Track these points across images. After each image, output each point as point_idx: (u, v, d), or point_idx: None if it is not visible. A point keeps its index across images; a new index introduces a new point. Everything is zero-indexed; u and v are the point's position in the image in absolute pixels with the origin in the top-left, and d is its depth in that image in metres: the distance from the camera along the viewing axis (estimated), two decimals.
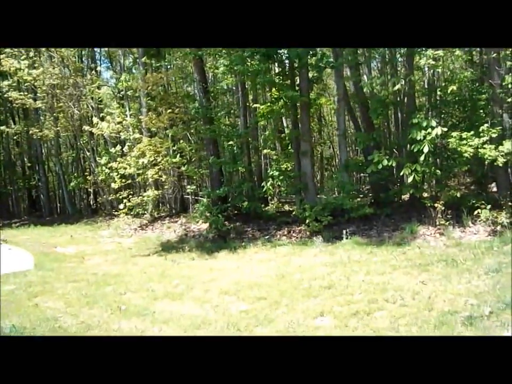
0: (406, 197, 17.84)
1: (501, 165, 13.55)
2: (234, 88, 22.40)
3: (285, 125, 23.56)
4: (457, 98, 17.05)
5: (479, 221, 13.96)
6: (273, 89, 16.69)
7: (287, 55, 17.04)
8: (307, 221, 15.72)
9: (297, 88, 17.37)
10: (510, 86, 14.16)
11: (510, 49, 14.35)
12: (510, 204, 14.15)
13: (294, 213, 17.19)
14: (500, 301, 8.04)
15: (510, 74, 14.41)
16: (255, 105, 18.32)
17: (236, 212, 18.59)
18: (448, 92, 14.81)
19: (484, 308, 7.79)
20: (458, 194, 15.23)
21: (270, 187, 17.58)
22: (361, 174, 22.52)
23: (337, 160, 24.49)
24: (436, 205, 14.51)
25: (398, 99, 17.81)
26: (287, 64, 17.81)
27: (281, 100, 17.32)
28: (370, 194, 19.46)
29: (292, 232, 16.45)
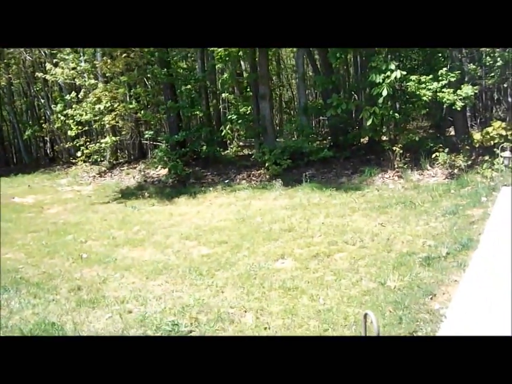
0: (365, 140, 17.93)
1: (459, 108, 13.74)
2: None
3: (243, 68, 23.30)
4: None
5: (437, 164, 14.21)
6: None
7: None
8: (266, 165, 15.75)
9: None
10: None
11: None
12: (467, 147, 14.40)
13: (253, 156, 17.21)
14: (456, 242, 8.25)
15: None
16: (212, 48, 17.99)
17: (194, 156, 18.48)
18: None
19: (441, 249, 8.00)
20: (416, 138, 15.39)
21: (229, 131, 17.53)
22: (321, 117, 22.53)
23: (296, 104, 24.40)
24: (394, 148, 14.67)
25: None
26: None
27: None
28: (329, 138, 19.47)
29: (251, 176, 16.47)
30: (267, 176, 15.85)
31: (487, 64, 15.27)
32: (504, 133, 13.43)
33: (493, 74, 15.06)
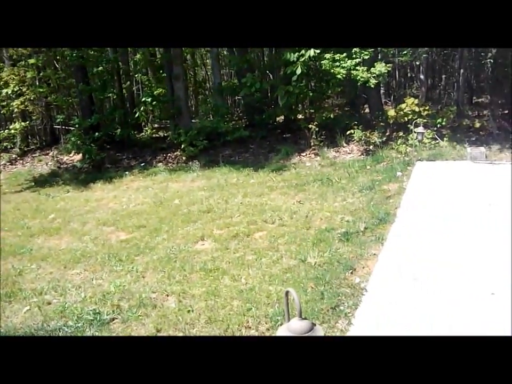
0: (280, 119, 18.02)
1: (372, 86, 13.94)
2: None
3: (156, 48, 22.89)
4: None
5: (353, 141, 14.47)
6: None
7: None
8: (182, 146, 15.57)
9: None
10: None
11: None
12: (381, 124, 14.69)
13: (169, 138, 17.01)
14: (373, 217, 8.44)
15: None
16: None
17: (109, 140, 18.02)
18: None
19: (359, 224, 8.14)
20: (332, 116, 15.54)
21: (143, 113, 17.18)
22: (236, 97, 22.46)
23: (211, 84, 24.21)
24: (310, 126, 14.81)
25: None
26: None
27: None
28: (245, 117, 19.49)
29: (167, 158, 16.26)
30: (183, 158, 15.67)
31: None
32: (417, 109, 13.78)
33: (405, 52, 15.37)
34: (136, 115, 17.08)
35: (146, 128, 20.03)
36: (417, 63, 15.75)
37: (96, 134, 16.81)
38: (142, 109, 16.86)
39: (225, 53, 22.31)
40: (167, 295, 6.33)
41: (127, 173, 15.03)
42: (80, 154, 17.11)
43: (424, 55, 15.21)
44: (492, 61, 17.11)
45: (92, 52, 18.26)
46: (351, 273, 6.38)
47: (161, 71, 19.51)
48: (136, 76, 21.02)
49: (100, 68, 18.53)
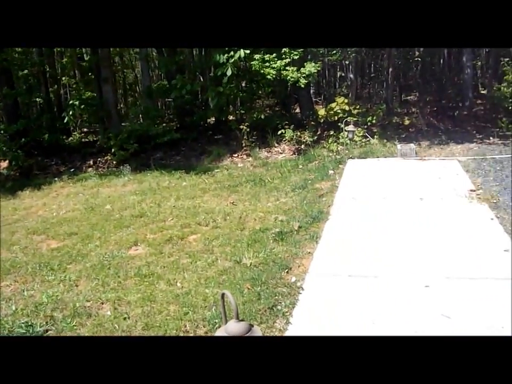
0: (211, 120, 17.97)
1: (303, 86, 14.06)
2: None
3: (83, 50, 22.45)
4: None
5: (284, 140, 14.54)
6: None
7: None
8: (113, 150, 15.30)
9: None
10: None
11: None
12: (312, 123, 14.84)
13: (98, 142, 16.69)
14: (307, 216, 8.49)
15: None
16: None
17: (37, 146, 17.53)
18: None
19: (293, 223, 8.17)
20: (262, 116, 15.57)
21: (72, 117, 16.77)
22: (166, 99, 22.27)
23: (140, 86, 23.94)
24: (241, 127, 14.83)
25: None
26: None
27: None
28: (175, 119, 19.33)
29: (98, 162, 15.94)
30: (114, 162, 15.40)
31: None
32: (347, 108, 13.99)
33: (335, 52, 15.54)
34: (65, 119, 16.68)
35: (75, 133, 19.61)
36: (347, 62, 15.95)
37: (23, 139, 16.30)
38: (70, 113, 16.46)
39: (154, 54, 22.09)
40: (102, 303, 6.17)
41: (56, 179, 14.62)
42: (7, 161, 16.57)
43: (353, 55, 15.39)
44: (419, 59, 17.53)
45: (17, 55, 17.76)
46: (287, 272, 6.40)
47: (89, 74, 19.13)
48: (63, 79, 20.57)
49: (25, 71, 18.04)
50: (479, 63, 19.50)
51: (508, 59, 15.40)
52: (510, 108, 14.28)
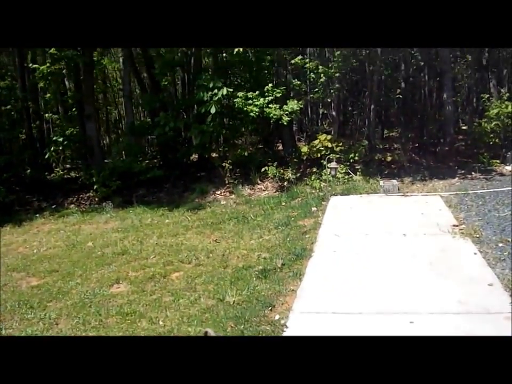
0: (195, 157, 17.98)
1: (285, 123, 14.18)
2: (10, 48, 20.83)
3: (67, 87, 22.48)
4: (242, 59, 17.34)
5: (267, 177, 14.57)
6: (53, 48, 15.72)
7: None
8: (95, 187, 15.23)
9: (79, 48, 16.60)
10: None
11: None
12: (295, 160, 14.91)
13: (81, 179, 16.57)
14: (290, 253, 8.49)
15: None
16: (33, 66, 17.14)
17: (18, 181, 17.41)
18: (235, 53, 15.05)
19: (276, 260, 8.17)
20: (246, 153, 15.60)
21: (54, 153, 16.74)
22: (149, 136, 22.30)
23: (124, 123, 23.96)
24: (224, 164, 14.83)
25: (185, 60, 17.71)
26: None
27: (62, 60, 16.40)
28: (158, 156, 19.32)
29: (80, 199, 15.85)
30: (96, 199, 15.31)
31: (311, 80, 15.89)
32: (329, 145, 14.03)
33: (317, 89, 15.68)
34: (47, 155, 16.62)
35: (58, 169, 19.48)
36: (329, 100, 16.06)
37: (5, 175, 16.20)
38: (52, 149, 16.42)
39: (137, 91, 22.16)
40: None
41: (37, 215, 14.49)
42: None
43: (335, 93, 15.53)
44: (400, 96, 17.73)
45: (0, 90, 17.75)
46: (271, 310, 6.37)
47: (72, 110, 19.12)
48: (46, 115, 20.53)
49: (8, 107, 18.00)
50: (460, 99, 19.78)
51: (488, 95, 15.68)
52: (491, 143, 14.46)
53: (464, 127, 18.15)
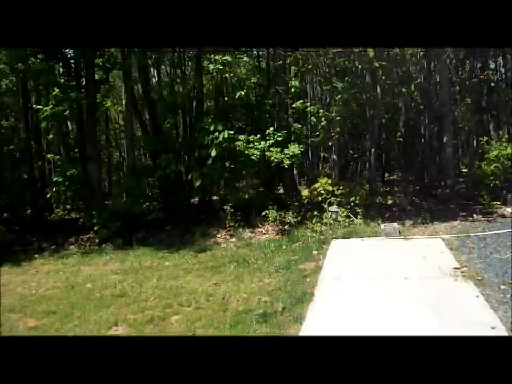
0: (195, 200, 17.98)
1: (286, 166, 14.24)
2: (14, 88, 21.05)
3: (70, 128, 22.63)
4: (244, 102, 17.52)
5: (268, 221, 14.53)
6: (57, 90, 15.90)
7: (72, 54, 16.40)
8: (95, 228, 15.21)
9: (82, 89, 16.77)
10: (293, 90, 14.96)
11: (297, 54, 15.14)
12: (296, 203, 14.92)
13: (81, 220, 16.55)
14: (291, 297, 8.43)
15: (295, 79, 15.22)
16: (37, 106, 17.29)
17: (18, 221, 17.39)
18: (236, 97, 15.18)
19: (277, 304, 8.10)
20: (246, 196, 15.70)
21: (55, 194, 16.77)
22: (150, 179, 22.35)
23: (125, 165, 24.03)
24: (225, 207, 14.83)
25: (187, 103, 17.86)
26: (73, 64, 17.11)
27: (66, 102, 16.55)
28: (159, 199, 19.33)
29: (80, 240, 15.81)
30: (96, 240, 15.27)
31: (312, 123, 15.99)
32: (330, 188, 14.06)
33: (318, 133, 15.78)
34: (48, 196, 16.65)
35: (58, 210, 19.49)
36: (330, 143, 16.16)
37: (5, 215, 16.21)
38: (54, 189, 16.46)
39: (139, 133, 22.30)
40: None
41: (37, 255, 14.43)
42: None
43: (336, 136, 15.62)
44: (401, 139, 17.84)
45: (3, 130, 17.87)
46: None
47: (74, 151, 19.21)
48: (48, 155, 20.63)
49: (11, 146, 18.11)
50: (460, 142, 19.91)
51: (487, 138, 15.78)
52: (491, 185, 14.51)
53: (464, 170, 18.26)
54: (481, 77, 17.90)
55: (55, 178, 17.04)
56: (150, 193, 21.35)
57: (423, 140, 19.33)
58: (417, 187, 17.40)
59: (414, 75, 17.76)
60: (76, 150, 18.77)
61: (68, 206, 21.15)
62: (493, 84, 19.56)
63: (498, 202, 14.31)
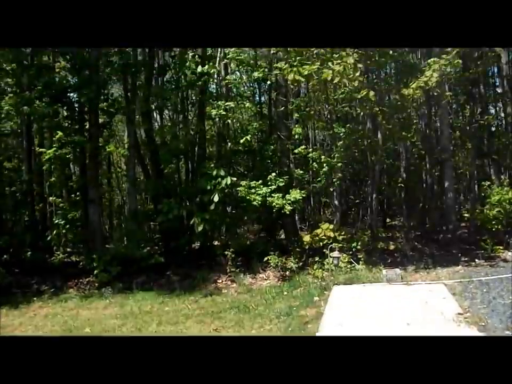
0: (196, 245, 17.93)
1: (288, 212, 14.25)
2: (19, 130, 21.18)
3: (72, 171, 22.70)
4: (246, 148, 17.61)
5: (269, 266, 14.49)
6: (61, 133, 16.01)
7: (77, 98, 16.55)
8: (95, 272, 15.15)
9: (86, 133, 16.89)
10: (296, 136, 15.07)
11: (299, 100, 15.26)
12: (297, 249, 14.88)
13: (81, 263, 16.47)
14: None
15: (297, 125, 15.35)
16: (40, 149, 17.39)
17: (18, 263, 17.28)
18: (241, 142, 15.29)
19: None
20: (248, 242, 15.68)
21: (56, 236, 16.76)
22: (151, 223, 22.34)
23: (126, 208, 24.04)
24: (226, 252, 14.82)
25: (189, 148, 17.95)
26: (77, 108, 17.26)
27: (69, 145, 16.63)
28: (160, 243, 19.28)
29: (79, 283, 15.69)
30: (96, 284, 15.18)
31: (314, 169, 16.02)
32: (332, 234, 14.00)
33: (319, 179, 15.79)
34: (49, 238, 16.62)
35: (58, 252, 19.40)
36: (331, 189, 16.17)
37: (5, 256, 16.15)
38: (54, 232, 16.46)
39: (141, 178, 22.36)
40: None
41: (35, 298, 14.31)
42: None
43: (337, 182, 15.63)
44: (402, 185, 17.88)
45: (6, 172, 17.93)
46: None
47: (76, 194, 19.24)
48: (50, 198, 20.65)
49: (13, 188, 18.15)
50: (461, 187, 19.97)
51: (489, 182, 15.81)
52: (494, 229, 14.48)
53: (466, 214, 18.22)
54: (482, 122, 18.05)
55: (56, 221, 17.06)
56: (151, 237, 21.33)
57: (424, 185, 19.36)
58: (419, 232, 17.38)
59: (414, 120, 17.89)
60: (78, 193, 18.80)
61: (68, 249, 21.13)
62: (493, 129, 19.69)
63: (501, 247, 14.29)
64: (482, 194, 16.30)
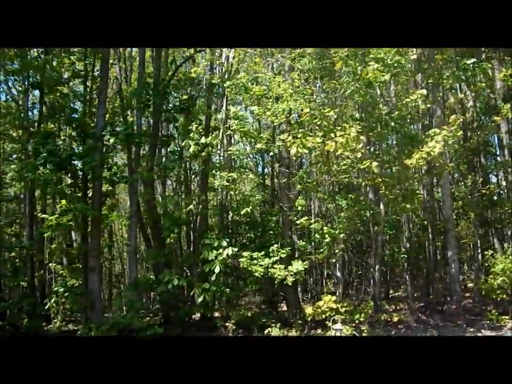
0: (197, 316, 17.72)
1: (290, 284, 14.11)
2: (22, 195, 21.27)
3: (73, 238, 22.67)
4: (248, 219, 17.62)
5: None
6: (64, 200, 16.06)
7: (81, 166, 16.66)
8: None
9: (89, 201, 16.92)
10: (299, 208, 15.09)
11: (302, 171, 15.36)
12: (299, 321, 14.68)
13: (79, 332, 16.21)
14: None
15: (300, 197, 15.40)
16: (43, 215, 17.40)
17: (14, 331, 16.99)
18: (242, 213, 15.31)
19: None
20: (249, 314, 15.48)
21: (54, 304, 16.55)
22: (152, 293, 22.18)
23: (126, 277, 23.89)
24: (227, 324, 14.65)
25: (191, 218, 17.97)
26: (80, 176, 17.36)
27: (71, 212, 16.63)
28: (160, 313, 19.06)
29: None
30: None
31: (316, 240, 15.95)
32: (334, 306, 13.82)
33: (322, 250, 15.70)
34: (47, 306, 16.42)
35: (56, 320, 19.15)
36: (334, 260, 16.09)
37: (0, 323, 15.90)
38: (53, 299, 16.25)
39: (143, 248, 22.30)
40: None
41: None
42: None
43: (340, 253, 15.56)
44: (405, 256, 17.81)
45: (6, 237, 17.89)
46: None
47: (77, 261, 19.14)
48: (50, 264, 20.55)
49: (13, 254, 18.08)
50: (464, 256, 19.91)
51: (492, 251, 15.78)
52: (499, 299, 14.33)
53: (470, 284, 18.12)
54: (483, 191, 18.13)
55: (55, 288, 16.90)
56: (151, 307, 21.12)
57: (427, 255, 19.32)
58: (423, 303, 17.22)
59: (416, 191, 17.98)
60: (78, 261, 18.69)
61: (66, 317, 20.88)
62: (495, 198, 19.76)
63: (507, 317, 14.16)
64: (486, 264, 16.23)
